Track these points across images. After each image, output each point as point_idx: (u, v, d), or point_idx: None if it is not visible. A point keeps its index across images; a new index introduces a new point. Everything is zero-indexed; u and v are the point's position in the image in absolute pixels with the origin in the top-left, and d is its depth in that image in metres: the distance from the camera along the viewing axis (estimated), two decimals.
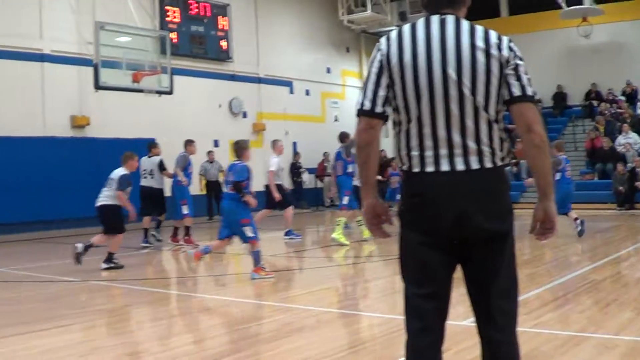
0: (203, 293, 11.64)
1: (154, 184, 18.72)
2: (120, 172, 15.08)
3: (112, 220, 14.83)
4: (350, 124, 35.86)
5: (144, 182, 18.77)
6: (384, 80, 4.07)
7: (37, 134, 23.96)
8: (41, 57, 24.33)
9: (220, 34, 30.17)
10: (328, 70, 36.93)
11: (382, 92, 4.06)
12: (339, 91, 37.72)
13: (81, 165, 24.57)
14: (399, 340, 7.56)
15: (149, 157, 18.90)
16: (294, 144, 33.34)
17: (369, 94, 4.08)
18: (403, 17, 35.16)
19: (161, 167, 18.63)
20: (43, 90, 24.29)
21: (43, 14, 24.32)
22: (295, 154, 32.75)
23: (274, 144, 20.09)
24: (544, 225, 4.07)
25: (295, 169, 32.04)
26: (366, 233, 17.52)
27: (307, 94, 35.25)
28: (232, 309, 10.09)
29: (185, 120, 27.90)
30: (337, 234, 17.30)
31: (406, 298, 4.19)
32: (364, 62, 38.87)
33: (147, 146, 19.23)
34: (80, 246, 14.32)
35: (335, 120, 36.77)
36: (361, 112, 4.09)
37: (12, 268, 14.82)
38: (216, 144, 29.60)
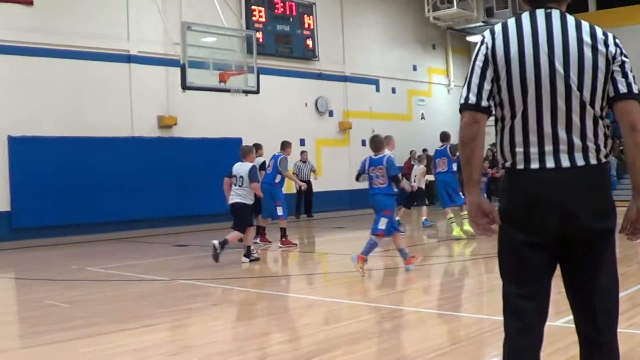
0: (293, 292, 11.59)
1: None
2: (245, 166, 15.30)
3: (243, 218, 15.12)
4: (437, 122, 35.74)
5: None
6: (489, 74, 3.97)
7: (124, 134, 24.26)
8: (128, 59, 24.62)
9: (306, 32, 30.18)
10: (414, 68, 36.71)
11: (487, 86, 3.96)
12: (425, 89, 37.48)
13: (168, 165, 24.83)
14: (491, 340, 7.49)
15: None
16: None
17: (474, 87, 3.98)
18: (490, 13, 34.76)
19: (262, 167, 18.69)
20: (130, 91, 24.57)
21: (130, 16, 24.60)
22: None
23: (388, 139, 20.08)
24: (635, 224, 3.98)
25: None
26: (457, 231, 17.75)
27: (393, 92, 35.08)
28: (323, 308, 10.00)
29: (272, 120, 27.96)
30: (456, 232, 17.97)
31: (505, 297, 4.09)
32: (450, 59, 38.61)
33: (253, 147, 19.22)
34: (216, 243, 14.61)
35: (422, 118, 36.56)
36: (465, 106, 4.00)
37: (99, 267, 14.94)
38: (302, 142, 29.59)
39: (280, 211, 17.79)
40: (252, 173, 15.16)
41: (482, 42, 4.03)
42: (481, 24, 35.78)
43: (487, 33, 4.05)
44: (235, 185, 15.26)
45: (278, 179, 17.99)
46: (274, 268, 15.64)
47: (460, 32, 38.22)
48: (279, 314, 9.84)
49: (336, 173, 30.13)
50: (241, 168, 15.38)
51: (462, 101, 4.01)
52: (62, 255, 18.08)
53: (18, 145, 21.86)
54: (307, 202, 28.72)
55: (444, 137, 19.14)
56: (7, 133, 21.69)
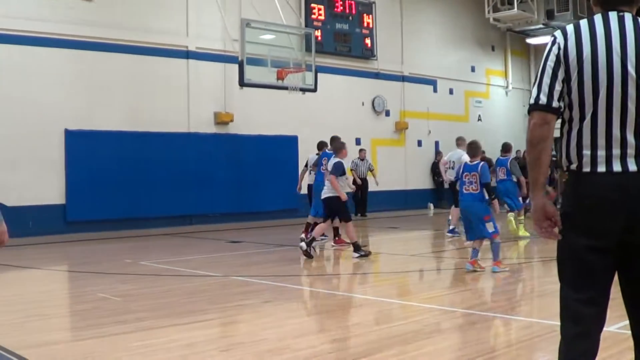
0: (345, 291, 11.50)
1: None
2: (333, 160, 15.60)
3: (339, 210, 15.42)
4: (494, 124, 35.56)
5: (311, 180, 19.12)
6: (560, 74, 3.91)
7: (181, 130, 24.32)
8: (187, 55, 24.70)
9: (364, 31, 30.05)
10: (472, 69, 36.43)
11: (558, 87, 3.90)
12: (483, 90, 37.18)
13: (223, 162, 24.90)
14: (543, 345, 7.36)
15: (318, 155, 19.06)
16: (436, 143, 32.98)
17: (545, 87, 3.92)
18: (550, 16, 34.36)
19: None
20: (188, 87, 24.65)
21: (190, 12, 24.69)
22: (437, 153, 32.33)
23: (463, 140, 20.36)
24: None
25: (436, 168, 31.60)
26: (515, 230, 18.48)
27: (450, 93, 34.86)
28: (375, 307, 9.92)
29: (328, 118, 27.88)
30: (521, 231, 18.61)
31: (563, 302, 4.06)
32: (509, 61, 38.27)
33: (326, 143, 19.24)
34: (303, 245, 15.10)
35: (479, 120, 36.32)
36: (536, 107, 3.93)
37: (153, 261, 14.96)
38: (358, 142, 29.50)
39: None
40: (337, 167, 15.39)
41: (554, 42, 3.97)
42: (541, 26, 35.44)
43: (558, 33, 4.00)
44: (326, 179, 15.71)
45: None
46: (326, 266, 15.57)
47: (520, 34, 37.87)
48: (331, 312, 9.76)
49: (391, 173, 29.97)
50: (328, 163, 15.90)
51: (532, 101, 3.95)
52: (115, 249, 18.16)
53: (75, 139, 21.99)
54: (361, 201, 28.66)
55: (506, 148, 19.89)
56: (65, 126, 21.83)
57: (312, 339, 7.90)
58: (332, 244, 17.78)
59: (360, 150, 28.07)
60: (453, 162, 19.99)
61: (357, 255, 15.07)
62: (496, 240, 12.68)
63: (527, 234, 18.38)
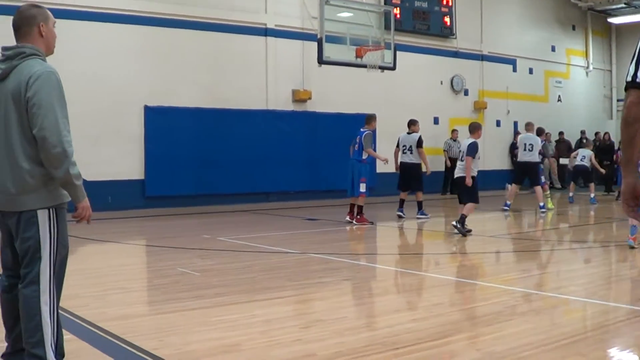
0: (424, 271, 11.39)
1: (412, 159, 19.11)
2: (468, 141, 15.65)
3: (469, 191, 15.49)
4: (574, 104, 35.08)
5: (402, 158, 19.25)
6: None
7: (259, 107, 24.36)
8: (265, 32, 24.69)
9: (443, 9, 29.72)
10: (552, 49, 35.87)
11: None
12: (563, 70, 36.61)
13: (301, 140, 24.91)
14: (626, 330, 7.22)
15: (408, 133, 19.24)
16: (515, 123, 32.58)
17: None
18: None
19: (419, 143, 18.67)
20: (266, 64, 24.67)
21: None
22: (516, 133, 31.92)
23: (531, 125, 20.88)
24: None
25: (514, 149, 31.21)
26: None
27: (530, 73, 34.40)
28: (455, 288, 9.82)
29: (406, 97, 27.77)
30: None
31: None
32: (590, 41, 37.63)
33: (407, 123, 19.46)
34: (456, 224, 15.41)
35: (559, 100, 35.82)
36: (632, 85, 3.75)
37: (231, 237, 15.00)
38: (436, 121, 29.34)
39: (362, 188, 17.67)
40: (471, 148, 15.41)
41: None
42: (623, 5, 34.85)
43: None
44: (460, 159, 15.85)
45: (365, 155, 17.80)
46: (405, 245, 15.49)
47: (601, 13, 37.21)
48: (410, 291, 9.69)
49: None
50: (463, 143, 15.98)
51: (629, 79, 3.78)
52: (193, 224, 18.26)
53: (154, 115, 22.16)
54: (453, 180, 28.68)
55: (539, 131, 20.81)
56: (144, 103, 22.00)
57: (391, 318, 7.81)
58: (352, 221, 17.80)
59: (453, 131, 28.01)
60: (525, 144, 20.64)
61: (455, 224, 15.33)
62: None
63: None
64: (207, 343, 6.62)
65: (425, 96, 29.01)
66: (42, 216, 5.22)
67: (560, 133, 33.31)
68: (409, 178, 19.04)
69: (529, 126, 21.55)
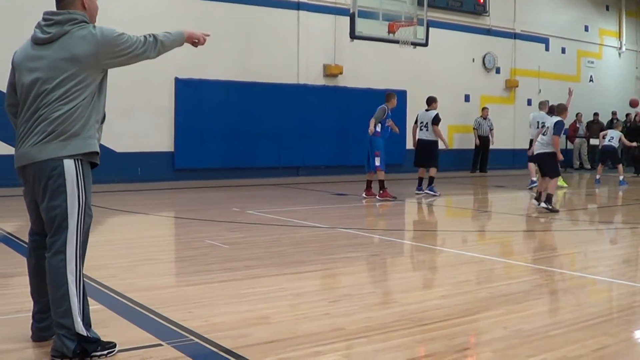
0: (451, 248, 11.36)
1: (428, 136, 19.03)
2: (554, 119, 16.03)
3: (550, 166, 16.00)
4: (606, 85, 34.82)
5: (419, 135, 19.20)
6: None
7: (290, 81, 24.36)
8: (297, 6, 24.66)
9: None
10: (586, 29, 35.61)
11: None
12: (596, 51, 36.33)
13: (331, 114, 24.93)
14: None
15: (427, 110, 19.16)
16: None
17: None
18: None
19: (434, 120, 18.64)
20: (298, 38, 24.66)
21: None
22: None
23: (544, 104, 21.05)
24: None
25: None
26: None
27: (562, 52, 34.18)
28: (483, 266, 9.76)
29: (437, 74, 27.71)
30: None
31: None
32: (624, 21, 37.29)
33: (426, 100, 19.32)
34: (536, 202, 16.02)
35: (590, 80, 35.58)
36: None
37: (260, 211, 15.03)
38: (467, 98, 29.26)
39: (377, 162, 17.69)
40: (558, 126, 15.79)
41: None
42: None
43: None
44: (542, 134, 16.33)
45: (379, 127, 17.77)
46: (432, 222, 15.45)
47: None
48: (438, 268, 9.67)
49: (500, 131, 29.56)
50: (550, 120, 16.46)
51: None
52: (223, 197, 18.32)
53: (184, 88, 22.21)
54: (483, 158, 28.65)
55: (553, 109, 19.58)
56: (175, 75, 22.04)
57: (420, 294, 7.81)
58: (368, 197, 17.89)
59: (483, 108, 27.91)
60: (538, 122, 20.48)
61: (545, 206, 15.58)
62: None
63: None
64: (235, 315, 6.63)
65: (457, 73, 28.94)
66: (70, 176, 5.24)
67: (595, 114, 33.11)
68: (424, 154, 19.01)
69: (542, 105, 21.57)
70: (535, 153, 16.54)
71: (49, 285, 5.24)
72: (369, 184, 18.07)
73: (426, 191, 18.92)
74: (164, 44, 5.68)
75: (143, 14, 21.27)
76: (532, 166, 20.89)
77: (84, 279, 5.39)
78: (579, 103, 31.13)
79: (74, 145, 5.22)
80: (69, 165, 5.21)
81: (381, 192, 17.71)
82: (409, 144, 21.02)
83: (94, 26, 5.36)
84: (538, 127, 19.53)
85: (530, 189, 20.45)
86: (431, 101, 19.10)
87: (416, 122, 19.21)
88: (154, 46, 5.57)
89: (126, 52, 5.39)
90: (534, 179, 20.80)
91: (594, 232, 13.90)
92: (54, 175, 5.20)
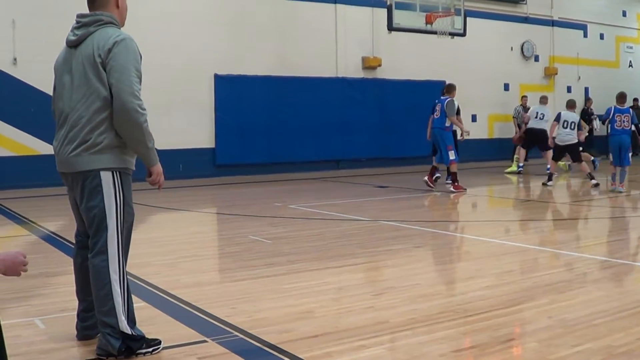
0: (494, 238, 11.32)
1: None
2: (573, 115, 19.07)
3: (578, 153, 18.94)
4: None
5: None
6: None
7: (329, 74, 24.38)
8: None
9: None
10: (624, 14, 35.25)
11: None
12: (635, 35, 35.97)
13: (371, 107, 24.94)
14: None
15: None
16: (586, 89, 32.25)
17: None
18: None
19: (450, 110, 18.53)
20: (336, 31, 24.68)
21: None
22: (587, 99, 31.49)
23: (545, 99, 21.49)
24: None
25: (586, 115, 30.69)
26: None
27: (601, 38, 33.90)
28: (525, 255, 9.72)
29: (476, 63, 27.63)
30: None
31: None
32: None
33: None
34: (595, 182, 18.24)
35: (630, 66, 35.27)
36: None
37: (302, 205, 15.08)
38: (506, 87, 29.12)
39: (452, 155, 17.73)
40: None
41: None
42: None
43: None
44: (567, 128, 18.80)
45: (448, 122, 17.86)
46: (473, 213, 15.41)
47: None
48: (481, 259, 9.62)
49: None
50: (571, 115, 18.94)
51: None
52: (264, 192, 18.37)
53: (224, 84, 22.30)
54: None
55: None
56: (214, 71, 22.14)
57: (464, 286, 7.80)
58: (451, 189, 18.02)
59: (523, 97, 27.66)
60: (543, 114, 21.91)
61: (594, 182, 18.14)
62: None
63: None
64: (279, 310, 6.67)
65: (495, 62, 28.82)
66: (106, 180, 5.26)
67: (635, 99, 32.78)
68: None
69: (543, 99, 22.81)
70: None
71: (92, 284, 5.30)
72: (433, 170, 18.35)
73: (446, 182, 18.81)
74: (149, 135, 5.34)
75: (182, 12, 21.41)
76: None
77: (128, 277, 5.45)
78: (619, 88, 30.70)
79: (108, 157, 5.24)
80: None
81: (455, 184, 17.79)
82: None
83: (121, 33, 5.30)
84: (537, 118, 20.06)
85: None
86: (450, 89, 18.78)
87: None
88: (144, 116, 5.23)
89: (122, 78, 5.14)
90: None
91: (635, 219, 13.80)
92: (90, 175, 5.26)
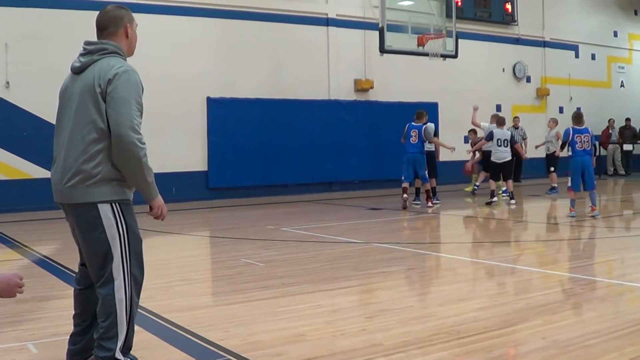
0: (486, 259, 11.32)
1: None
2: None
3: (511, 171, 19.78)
4: (637, 90, 34.52)
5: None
6: None
7: (321, 97, 24.43)
8: (327, 22, 24.73)
9: None
10: (615, 34, 35.44)
11: None
12: (626, 56, 36.15)
13: (363, 129, 25.00)
14: None
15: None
16: (578, 109, 32.31)
17: None
18: None
19: (427, 134, 18.95)
20: (328, 54, 24.75)
21: None
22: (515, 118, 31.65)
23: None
24: None
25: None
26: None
27: (592, 59, 34.06)
28: (518, 276, 9.72)
29: (468, 85, 27.73)
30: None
31: None
32: None
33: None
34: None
35: (621, 86, 35.41)
36: None
37: (295, 227, 15.10)
38: (498, 108, 29.15)
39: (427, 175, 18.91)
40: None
41: None
42: None
43: None
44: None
45: (426, 147, 19.07)
46: (467, 234, 15.41)
47: None
48: (474, 280, 9.64)
49: (533, 140, 29.39)
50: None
51: None
52: (257, 215, 18.36)
53: (216, 107, 22.36)
54: (516, 168, 28.47)
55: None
56: (206, 94, 22.19)
57: (457, 307, 7.79)
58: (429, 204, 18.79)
59: (515, 118, 27.72)
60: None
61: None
62: None
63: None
64: (272, 333, 6.66)
65: (488, 83, 28.92)
66: (105, 212, 5.15)
67: (627, 119, 32.92)
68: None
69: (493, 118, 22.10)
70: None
71: (98, 313, 5.23)
72: (418, 191, 19.69)
73: (414, 202, 19.71)
74: (148, 169, 5.23)
75: (174, 37, 21.47)
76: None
77: (136, 306, 5.38)
78: (611, 109, 31.06)
79: (105, 190, 5.18)
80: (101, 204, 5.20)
81: (433, 200, 19.13)
82: (442, 156, 21.18)
83: (123, 64, 5.26)
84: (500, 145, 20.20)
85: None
86: (421, 115, 19.51)
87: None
88: (143, 150, 5.11)
89: (121, 110, 5.06)
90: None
91: (630, 238, 13.83)
92: (86, 208, 5.17)
